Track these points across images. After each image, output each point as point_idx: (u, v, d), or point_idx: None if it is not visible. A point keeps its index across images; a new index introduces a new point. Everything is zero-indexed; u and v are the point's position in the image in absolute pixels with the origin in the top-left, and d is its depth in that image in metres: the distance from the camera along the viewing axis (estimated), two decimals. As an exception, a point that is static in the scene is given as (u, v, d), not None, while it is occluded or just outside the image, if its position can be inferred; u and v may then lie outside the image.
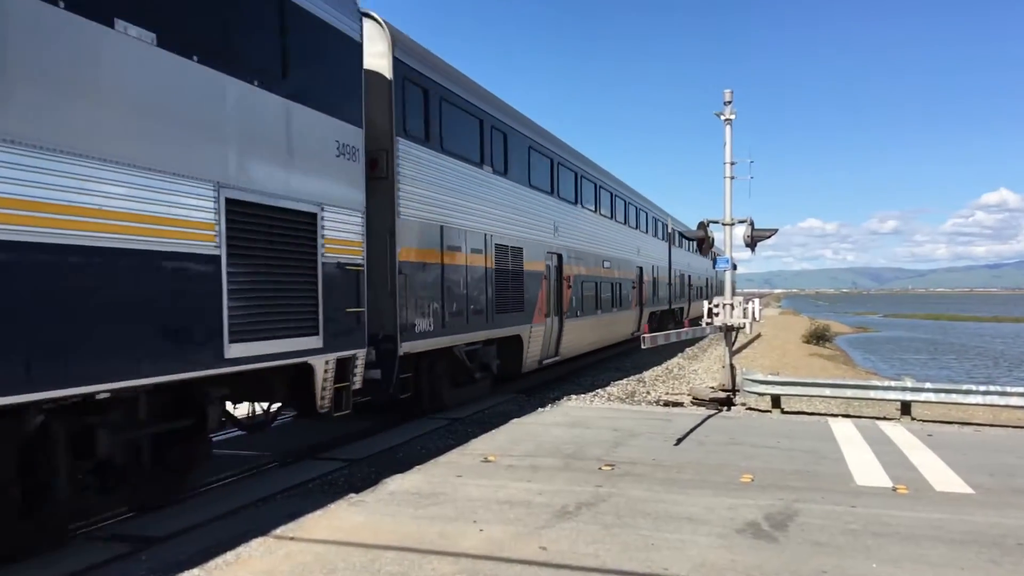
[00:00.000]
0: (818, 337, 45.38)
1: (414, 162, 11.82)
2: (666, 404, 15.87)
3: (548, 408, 14.35)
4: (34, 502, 6.25)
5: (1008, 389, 13.49)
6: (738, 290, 43.40)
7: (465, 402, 14.62)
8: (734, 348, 17.37)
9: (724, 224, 17.01)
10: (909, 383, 14.01)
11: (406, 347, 11.42)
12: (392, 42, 11.34)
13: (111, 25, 6.09)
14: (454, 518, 7.32)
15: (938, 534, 6.90)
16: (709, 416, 13.54)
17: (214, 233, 7.16)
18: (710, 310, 16.76)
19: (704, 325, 16.69)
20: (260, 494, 8.34)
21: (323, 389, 8.98)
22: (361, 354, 9.76)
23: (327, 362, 8.98)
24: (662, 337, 12.67)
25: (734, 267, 18.66)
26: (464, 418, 13.21)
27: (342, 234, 9.28)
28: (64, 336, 5.61)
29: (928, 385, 14.13)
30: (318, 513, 7.46)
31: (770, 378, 15.11)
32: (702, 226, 17.46)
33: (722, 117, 16.96)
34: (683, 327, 20.13)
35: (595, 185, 23.02)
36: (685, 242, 34.24)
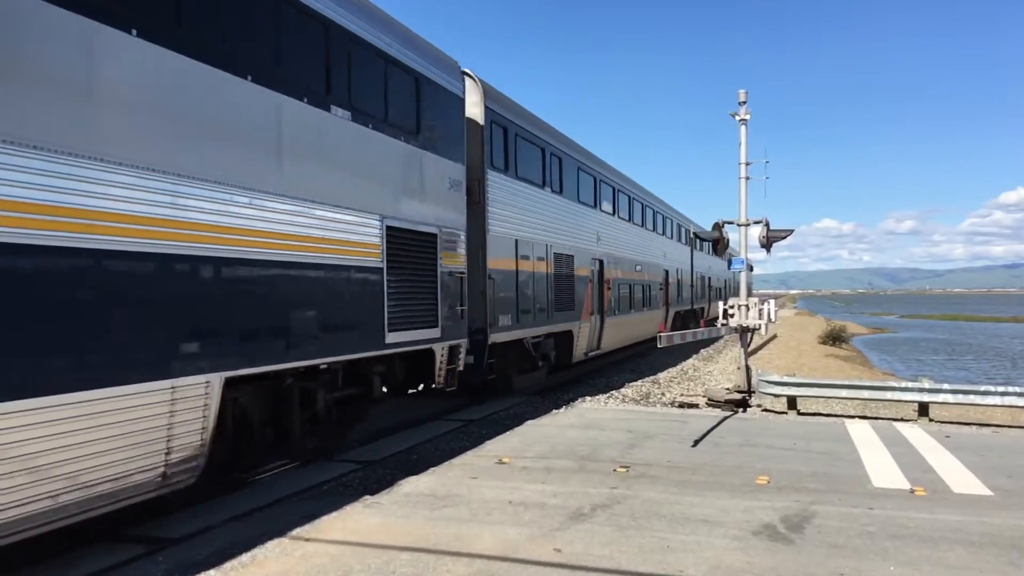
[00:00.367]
0: (834, 338, 45.14)
1: (498, 188, 14.47)
2: (681, 406, 15.82)
3: (562, 410, 14.34)
4: (280, 435, 9.03)
5: (1027, 390, 13.38)
6: (754, 291, 43.78)
7: (527, 386, 17.30)
8: (749, 349, 17.29)
9: (739, 225, 16.93)
10: (926, 384, 13.91)
11: (493, 338, 13.97)
12: (483, 93, 14.05)
13: (328, 110, 8.87)
14: (469, 520, 7.33)
15: (956, 536, 6.84)
16: (724, 418, 13.49)
17: (380, 251, 9.79)
18: (725, 311, 16.70)
19: (719, 326, 16.63)
20: (275, 496, 8.38)
21: (440, 369, 11.63)
22: (464, 343, 12.32)
23: (443, 348, 11.61)
24: (678, 336, 12.78)
25: (750, 268, 18.59)
26: (478, 420, 13.23)
27: (452, 249, 11.91)
28: (308, 324, 8.26)
29: (946, 386, 14.03)
30: (333, 515, 7.48)
31: (786, 379, 15.04)
32: (717, 227, 17.38)
33: (737, 117, 16.88)
34: (714, 323, 20.49)
35: (628, 197, 25.46)
36: (706, 246, 34.73)
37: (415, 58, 11.07)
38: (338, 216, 8.92)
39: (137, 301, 6.13)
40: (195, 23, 6.88)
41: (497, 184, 14.46)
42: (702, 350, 31.02)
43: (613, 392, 17.55)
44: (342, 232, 8.98)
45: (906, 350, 52.80)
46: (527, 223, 15.99)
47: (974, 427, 13.23)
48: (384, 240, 9.87)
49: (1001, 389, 13.61)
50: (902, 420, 13.74)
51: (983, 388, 13.88)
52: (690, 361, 26.51)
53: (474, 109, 13.82)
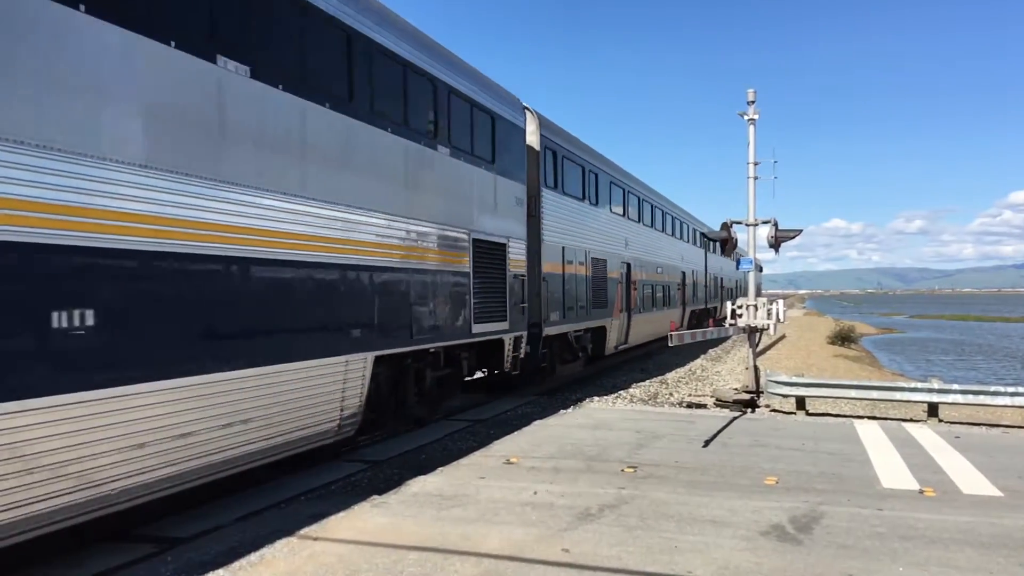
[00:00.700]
0: (843, 338, 45.00)
1: (549, 203, 16.71)
2: (689, 406, 15.79)
3: (570, 410, 14.33)
4: (398, 406, 11.34)
5: (1037, 390, 13.30)
6: (763, 291, 44.05)
7: (569, 374, 19.79)
8: (758, 349, 17.24)
9: (748, 224, 16.89)
10: (936, 384, 13.84)
11: (546, 331, 16.26)
12: (539, 123, 16.43)
13: (436, 149, 11.34)
14: (476, 520, 7.33)
15: (966, 537, 6.81)
16: (733, 418, 13.46)
17: (468, 259, 12.22)
18: (733, 311, 16.66)
19: (727, 326, 16.59)
20: (283, 495, 8.39)
21: (508, 356, 14.18)
22: (524, 335, 14.81)
23: (510, 339, 14.15)
24: (688, 336, 12.88)
25: (760, 269, 18.63)
26: (486, 420, 13.23)
27: (516, 255, 14.32)
28: (423, 317, 10.76)
29: (955, 386, 13.97)
30: (341, 514, 7.50)
31: (795, 379, 14.98)
32: (725, 227, 17.33)
33: (745, 117, 16.84)
34: (721, 323, 20.89)
35: (651, 205, 27.80)
36: (718, 247, 35.33)
37: (492, 100, 13.52)
38: (443, 232, 11.42)
39: (335, 299, 8.82)
40: (361, 97, 9.43)
41: (549, 199, 16.70)
42: (710, 350, 30.95)
43: (621, 392, 17.52)
44: (445, 244, 11.49)
45: (915, 350, 52.59)
46: (571, 232, 18.26)
47: (984, 428, 13.16)
48: (471, 250, 12.33)
49: (1011, 389, 13.53)
50: (911, 421, 13.69)
51: (993, 388, 13.81)
52: (698, 361, 26.46)
53: (532, 137, 16.09)
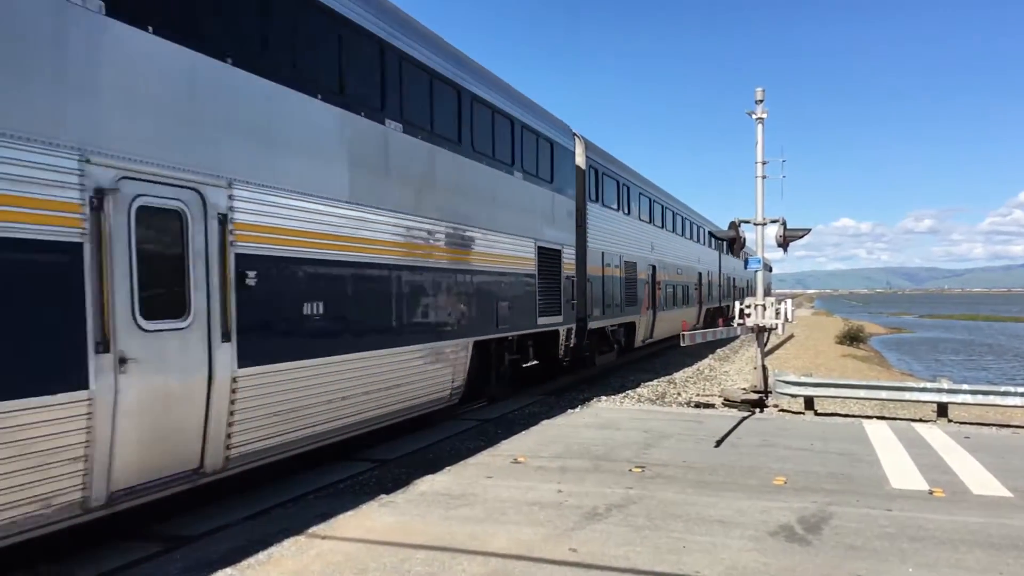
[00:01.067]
0: (852, 338, 44.83)
1: (592, 215, 19.25)
2: (697, 406, 15.76)
3: (578, 409, 14.32)
4: (483, 383, 13.97)
5: (1049, 391, 13.21)
6: (772, 291, 44.35)
7: (605, 363, 22.03)
8: (766, 349, 17.19)
9: (756, 224, 16.84)
10: (945, 384, 13.77)
11: (590, 325, 18.74)
12: (585, 146, 19.15)
13: (512, 174, 14.12)
14: (484, 519, 7.33)
15: (976, 538, 6.78)
16: (742, 418, 13.42)
17: (534, 263, 14.87)
18: (741, 311, 16.60)
19: (735, 326, 16.54)
20: (291, 494, 8.40)
21: (561, 345, 16.78)
22: (573, 327, 17.33)
23: (564, 330, 16.69)
24: (700, 336, 12.86)
25: (769, 269, 18.74)
26: (494, 419, 13.22)
27: (568, 260, 16.88)
28: (504, 310, 13.44)
29: (965, 386, 13.90)
30: (349, 513, 7.51)
31: (803, 379, 14.93)
32: (733, 226, 17.28)
33: (754, 116, 16.78)
34: (731, 323, 21.30)
35: (672, 212, 30.19)
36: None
37: (550, 129, 16.28)
38: (517, 242, 14.12)
39: (452, 297, 11.60)
40: (466, 139, 12.26)
41: (592, 211, 19.26)
42: (718, 350, 30.89)
43: (629, 392, 17.50)
44: (515, 251, 14.05)
45: (925, 350, 52.34)
46: (608, 239, 20.72)
47: (994, 428, 13.08)
48: (536, 255, 14.96)
49: (1022, 390, 13.44)
50: (921, 421, 13.63)
51: (1003, 389, 13.73)
52: (706, 361, 26.40)
53: (579, 159, 18.79)
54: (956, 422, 13.49)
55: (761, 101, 16.69)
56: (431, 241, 10.94)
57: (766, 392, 15.76)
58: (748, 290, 46.59)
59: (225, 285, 7.13)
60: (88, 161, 5.85)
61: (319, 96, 8.60)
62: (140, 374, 6.24)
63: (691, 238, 34.28)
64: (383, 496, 8.16)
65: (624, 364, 23.81)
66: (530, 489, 8.42)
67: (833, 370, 26.50)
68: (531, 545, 6.57)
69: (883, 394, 14.47)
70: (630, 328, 23.41)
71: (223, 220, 7.15)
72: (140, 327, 6.27)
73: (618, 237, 21.78)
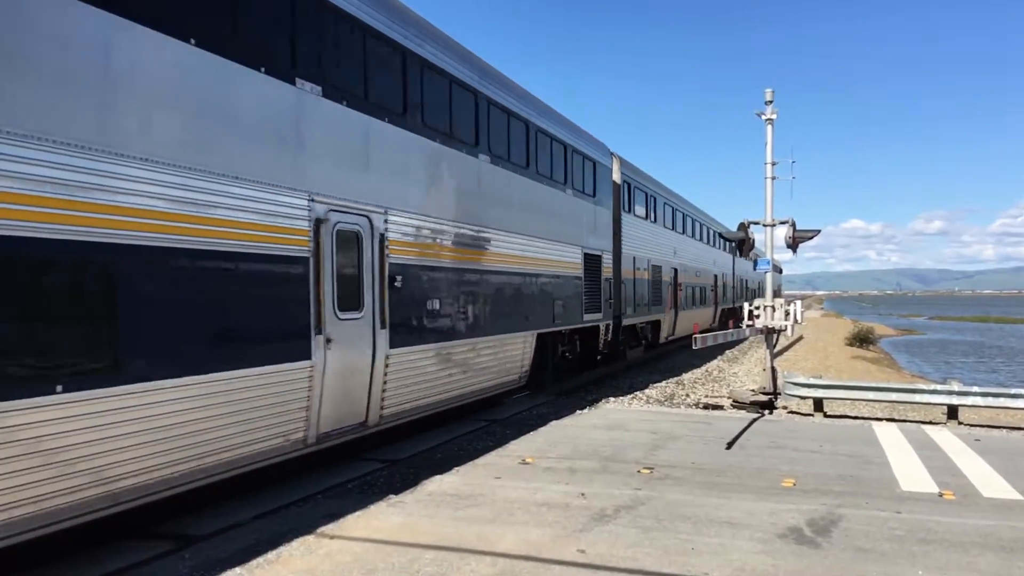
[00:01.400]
0: (861, 339, 44.60)
1: (626, 224, 21.59)
2: (706, 407, 15.73)
3: (586, 410, 14.31)
4: (543, 371, 16.00)
5: (1060, 393, 13.13)
6: (782, 292, 44.63)
7: (634, 358, 23.82)
8: (775, 350, 17.14)
9: (765, 225, 16.78)
10: (956, 387, 13.72)
11: (624, 322, 21.02)
12: (620, 163, 21.56)
13: (564, 191, 16.36)
14: (492, 519, 7.34)
15: (986, 541, 6.75)
16: (750, 419, 13.39)
17: (580, 267, 17.01)
18: (750, 312, 16.56)
19: (744, 327, 16.50)
20: (300, 494, 8.42)
21: (602, 339, 19.17)
22: (611, 324, 19.68)
23: (603, 326, 19.07)
24: (711, 338, 12.88)
25: (779, 270, 18.83)
26: (502, 420, 13.23)
27: (607, 264, 19.09)
28: (558, 307, 15.60)
29: (975, 389, 13.82)
30: (357, 513, 7.52)
31: (812, 381, 14.88)
32: (742, 227, 17.23)
33: (763, 117, 16.74)
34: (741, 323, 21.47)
35: (691, 219, 32.46)
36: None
37: (592, 150, 18.58)
38: (568, 248, 16.31)
39: (522, 295, 13.79)
40: (532, 163, 14.59)
41: (625, 220, 21.54)
42: (727, 351, 30.83)
43: (637, 393, 17.48)
44: (567, 257, 16.20)
45: (935, 352, 52.08)
46: (638, 245, 22.96)
47: (1004, 430, 13.00)
48: (582, 260, 17.16)
49: (1033, 392, 13.37)
50: (931, 423, 13.56)
51: (1014, 391, 13.65)
52: (715, 362, 26.35)
53: (615, 174, 21.18)
54: (966, 424, 13.43)
55: (771, 102, 16.64)
56: (509, 250, 13.38)
57: (775, 394, 15.71)
58: (760, 291, 46.62)
59: (383, 286, 9.53)
60: (313, 200, 8.23)
61: (437, 140, 11.09)
62: (337, 350, 8.58)
63: (707, 242, 36.35)
64: (392, 496, 8.18)
65: (633, 365, 23.80)
66: (538, 490, 8.42)
67: (843, 372, 26.40)
68: (539, 546, 6.57)
69: (893, 396, 14.41)
70: (656, 325, 25.52)
71: (382, 238, 9.54)
72: (337, 316, 8.60)
73: (646, 243, 24.11)
